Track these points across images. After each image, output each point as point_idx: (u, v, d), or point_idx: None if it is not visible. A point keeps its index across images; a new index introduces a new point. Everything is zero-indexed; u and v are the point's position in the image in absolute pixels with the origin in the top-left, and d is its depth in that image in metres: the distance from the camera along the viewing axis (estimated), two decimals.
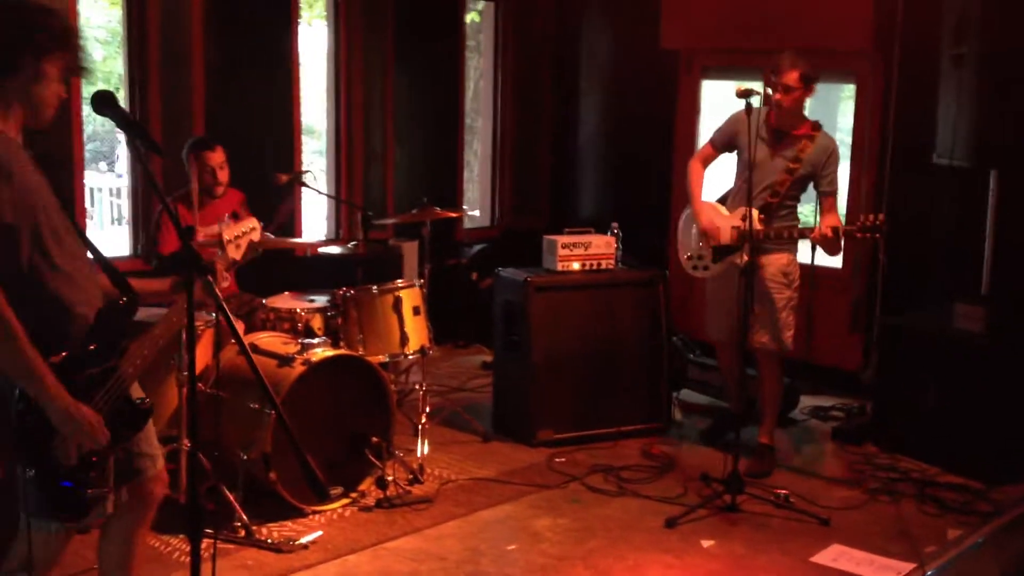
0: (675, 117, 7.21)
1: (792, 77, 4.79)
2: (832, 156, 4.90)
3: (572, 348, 5.39)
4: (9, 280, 2.45)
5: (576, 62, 7.88)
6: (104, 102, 2.60)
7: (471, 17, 8.17)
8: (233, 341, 4.63)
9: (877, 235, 4.69)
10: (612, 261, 5.53)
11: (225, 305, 2.52)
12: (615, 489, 4.79)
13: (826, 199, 4.91)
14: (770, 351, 4.99)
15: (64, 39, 2.60)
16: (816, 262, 5.24)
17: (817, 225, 4.79)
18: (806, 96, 4.88)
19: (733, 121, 5.02)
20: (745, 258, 4.65)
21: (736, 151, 5.05)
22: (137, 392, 2.77)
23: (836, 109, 10.58)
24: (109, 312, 2.66)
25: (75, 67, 2.68)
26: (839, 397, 6.13)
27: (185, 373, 4.22)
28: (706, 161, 5.17)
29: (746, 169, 4.76)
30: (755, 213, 4.74)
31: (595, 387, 5.44)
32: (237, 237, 3.32)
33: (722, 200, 5.14)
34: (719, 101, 9.02)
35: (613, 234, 5.58)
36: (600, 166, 7.88)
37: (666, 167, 7.25)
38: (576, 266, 5.45)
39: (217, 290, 2.56)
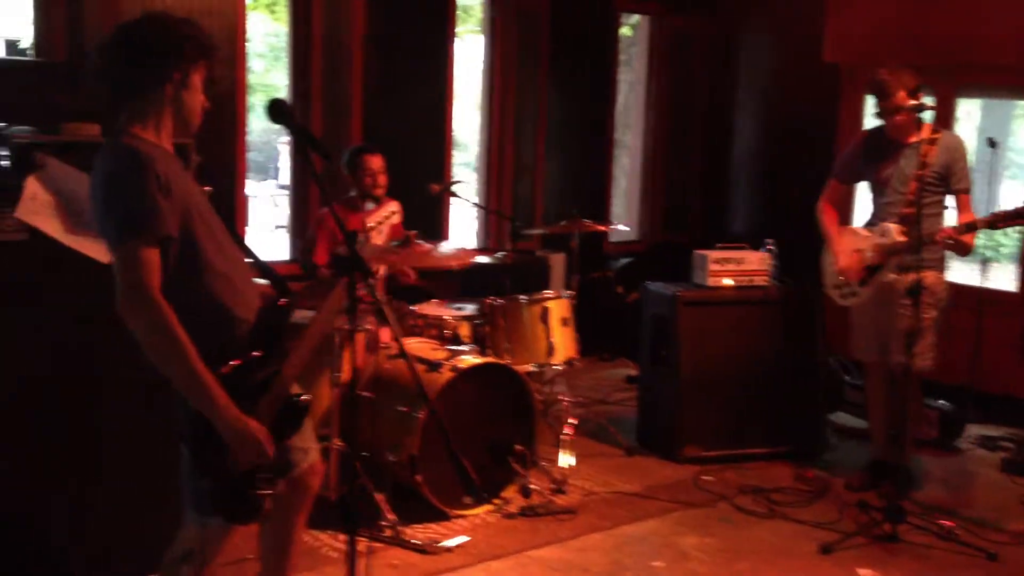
0: (836, 133, 7.01)
1: (901, 97, 4.62)
2: (960, 152, 4.71)
3: (721, 365, 5.29)
4: (175, 290, 2.51)
5: (733, 75, 7.77)
6: (279, 110, 2.69)
7: (624, 31, 8.16)
8: (383, 345, 4.74)
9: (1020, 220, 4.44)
10: (766, 278, 5.42)
11: (385, 308, 2.56)
12: (765, 511, 4.67)
13: (959, 197, 4.70)
14: (913, 371, 4.77)
15: (207, 49, 2.69)
16: (986, 284, 5.00)
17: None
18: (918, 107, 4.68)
19: (850, 148, 4.99)
20: (892, 276, 4.58)
21: (863, 177, 4.94)
22: (295, 388, 2.81)
23: (1008, 126, 10.11)
24: (269, 313, 2.71)
25: (214, 77, 2.76)
26: (1009, 427, 5.82)
27: (338, 374, 4.34)
28: (833, 198, 5.05)
29: (878, 189, 4.72)
30: (893, 226, 4.63)
31: (745, 405, 5.32)
32: (379, 223, 3.35)
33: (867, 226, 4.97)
34: None
35: (768, 250, 5.46)
36: (755, 181, 7.73)
37: (823, 185, 7.03)
38: (728, 282, 5.36)
39: (377, 293, 2.59)
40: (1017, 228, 4.80)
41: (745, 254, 5.41)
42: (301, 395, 2.77)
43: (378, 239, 3.33)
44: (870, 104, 6.98)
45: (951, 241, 4.51)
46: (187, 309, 2.51)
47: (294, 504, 2.95)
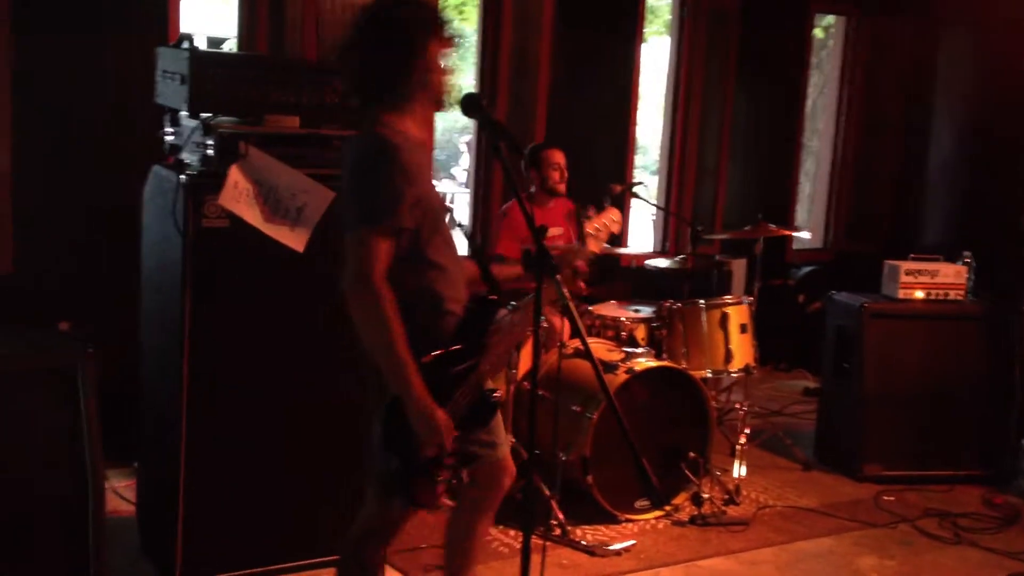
0: None
1: None
2: None
3: (908, 381, 5.08)
4: (399, 276, 2.60)
5: (931, 80, 7.42)
6: (472, 104, 2.73)
7: (814, 33, 7.92)
8: (557, 344, 4.76)
9: None
10: (961, 292, 5.16)
11: (571, 306, 2.55)
12: (951, 536, 4.45)
13: None
14: None
15: (443, 25, 2.74)
16: None
17: None
18: None
19: None
20: None
21: None
22: (488, 383, 2.85)
23: None
24: (477, 307, 2.78)
25: (447, 43, 2.77)
26: None
27: (514, 371, 4.38)
28: None
29: None
30: None
31: (931, 425, 5.09)
32: (598, 229, 3.33)
33: None
34: None
35: (965, 263, 5.19)
36: (952, 190, 7.35)
37: None
38: (919, 295, 5.13)
39: (565, 289, 2.60)
40: None
41: (940, 266, 5.16)
42: (495, 391, 2.82)
43: (596, 246, 3.33)
44: None
45: None
46: (406, 296, 2.61)
47: (483, 500, 2.99)
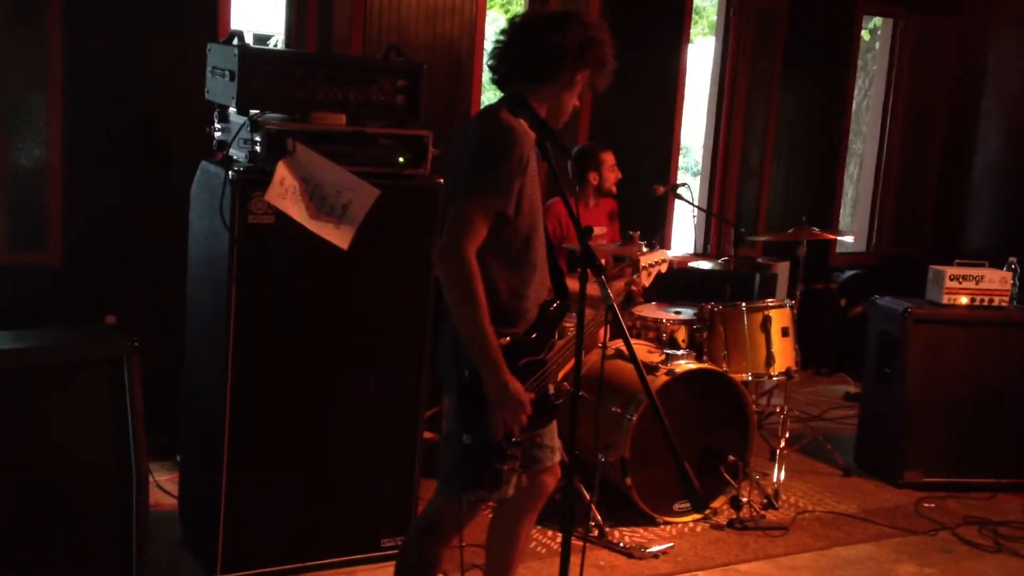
0: None
1: None
2: None
3: (951, 387, 5.03)
4: (492, 261, 2.69)
5: (979, 82, 7.34)
6: (521, 104, 2.75)
7: (861, 35, 7.86)
8: (598, 344, 4.76)
9: None
10: (1007, 298, 5.09)
11: (616, 308, 2.57)
12: (991, 545, 4.41)
13: None
14: None
15: (606, 58, 2.83)
16: None
17: None
18: None
19: None
20: None
21: None
22: (551, 388, 2.91)
23: None
24: (549, 309, 2.86)
25: (596, 84, 2.88)
26: None
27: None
28: None
29: None
30: None
31: (974, 432, 5.04)
32: (650, 266, 3.44)
33: None
34: None
35: (1011, 269, 5.13)
36: (999, 195, 7.27)
37: None
38: (964, 300, 5.07)
39: (611, 291, 2.62)
40: None
41: (985, 272, 5.10)
42: (558, 397, 2.90)
43: (646, 281, 3.42)
44: None
45: None
46: (496, 280, 2.71)
47: (528, 500, 3.02)
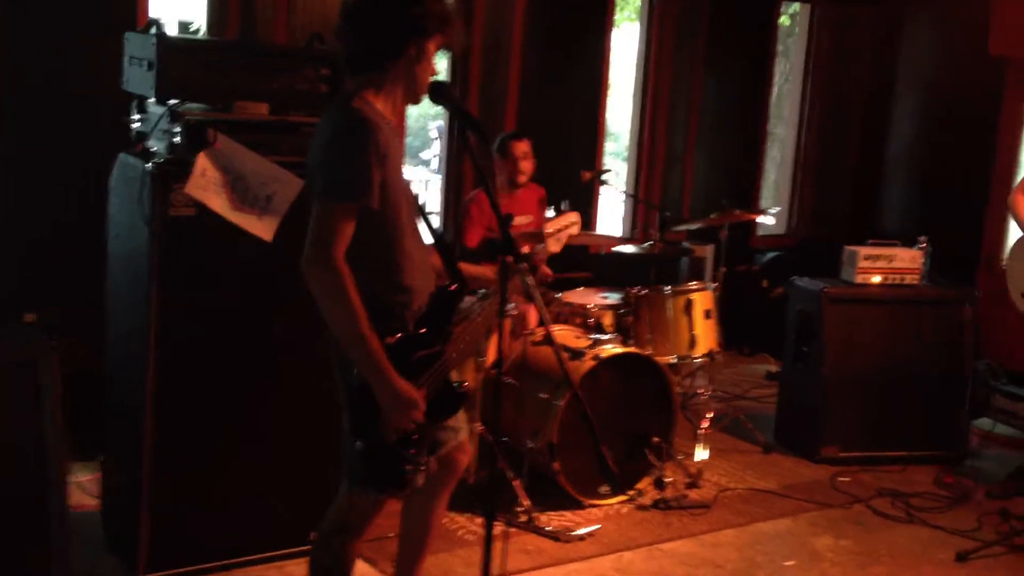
0: (997, 129, 6.74)
1: None
2: None
3: (866, 364, 5.19)
4: (363, 258, 2.60)
5: (893, 68, 7.54)
6: (441, 92, 2.75)
7: (780, 21, 8.01)
8: (527, 331, 4.82)
9: None
10: (917, 277, 5.27)
11: (535, 294, 2.59)
12: (903, 516, 4.58)
13: None
14: None
15: (446, 20, 2.75)
16: None
17: None
18: None
19: None
20: None
21: None
22: (455, 375, 2.87)
23: None
24: (440, 297, 2.79)
25: (448, 43, 2.81)
26: None
27: (482, 358, 4.43)
28: None
29: None
30: None
31: (887, 407, 5.21)
32: (559, 231, 3.42)
33: None
34: None
35: (920, 248, 5.31)
36: (911, 177, 7.50)
37: (983, 182, 6.81)
38: (877, 279, 5.24)
39: (531, 279, 2.64)
40: None
41: (896, 251, 5.27)
42: (463, 383, 2.83)
43: (555, 247, 3.41)
44: None
45: None
46: (370, 278, 2.61)
47: (439, 481, 2.99)
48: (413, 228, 2.78)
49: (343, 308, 2.53)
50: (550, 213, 4.86)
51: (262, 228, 3.47)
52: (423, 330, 2.72)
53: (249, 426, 3.61)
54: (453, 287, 2.79)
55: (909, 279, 5.26)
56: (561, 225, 3.44)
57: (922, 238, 5.36)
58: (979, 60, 6.70)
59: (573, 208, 4.67)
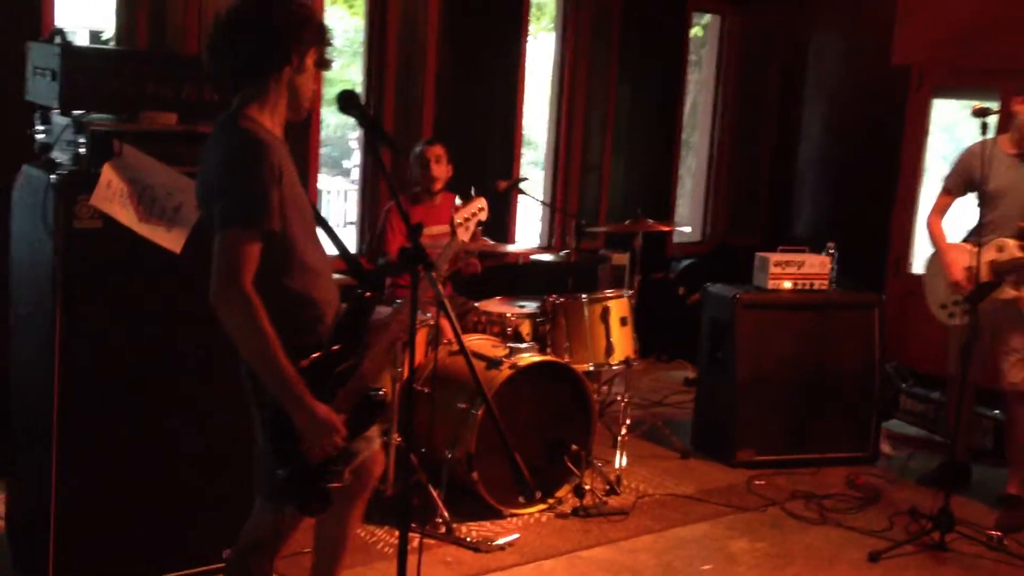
0: (902, 136, 6.94)
1: None
2: None
3: (779, 369, 5.29)
4: (267, 280, 2.54)
5: (802, 77, 7.71)
6: (349, 101, 2.70)
7: (694, 31, 8.14)
8: (445, 341, 4.81)
9: None
10: (826, 282, 5.39)
11: (447, 303, 2.58)
12: (817, 517, 4.67)
13: None
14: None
15: (322, 33, 2.72)
16: None
17: None
18: None
19: (963, 159, 4.87)
20: (1012, 292, 4.59)
21: (974, 188, 4.82)
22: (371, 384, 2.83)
23: None
24: (353, 307, 2.75)
25: (325, 61, 2.76)
26: None
27: (399, 369, 4.41)
28: (943, 212, 4.95)
29: (990, 201, 4.62)
30: (1011, 241, 4.59)
31: (800, 411, 5.32)
32: (467, 219, 3.37)
33: (968, 239, 4.89)
34: (949, 121, 8.62)
35: (829, 254, 5.43)
36: (820, 184, 7.67)
37: (889, 188, 7.00)
38: (788, 285, 5.34)
39: (441, 286, 2.62)
40: None
41: (806, 257, 5.39)
42: (379, 390, 2.79)
43: (465, 235, 3.36)
44: (937, 108, 6.94)
45: None
46: (277, 300, 2.55)
47: (353, 492, 2.95)
48: (315, 241, 2.73)
49: (256, 337, 2.47)
50: (457, 201, 4.83)
51: (170, 240, 3.41)
52: (336, 347, 2.68)
53: (159, 441, 3.53)
54: (367, 295, 2.76)
55: (818, 284, 5.38)
56: (469, 213, 3.40)
57: (830, 244, 5.49)
58: (884, 68, 6.89)
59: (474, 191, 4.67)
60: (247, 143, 2.55)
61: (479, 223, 3.44)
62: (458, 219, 3.35)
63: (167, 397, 3.53)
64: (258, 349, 2.49)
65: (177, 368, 3.53)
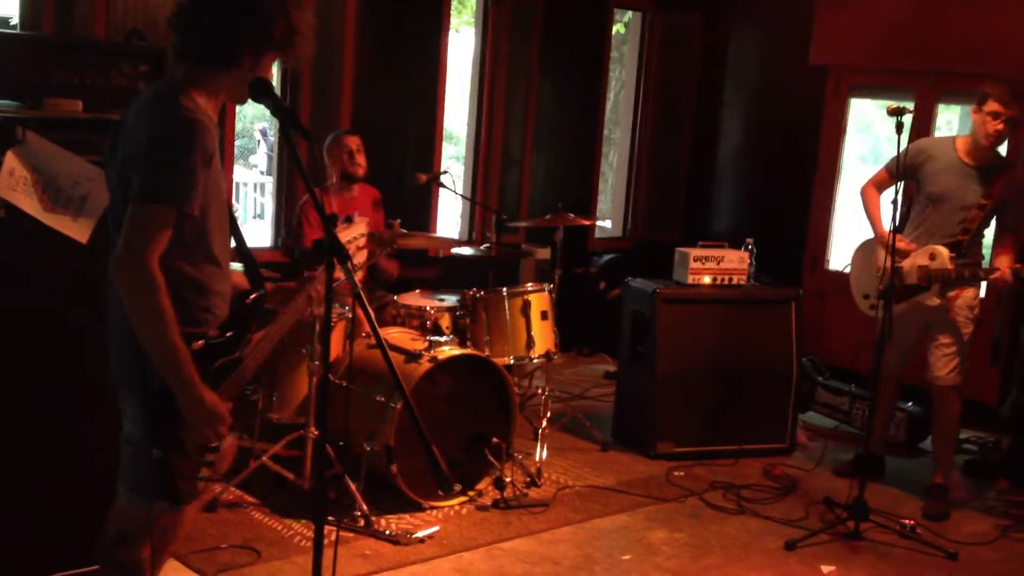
0: (819, 135, 7.06)
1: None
2: (1022, 192, 4.72)
3: (698, 362, 5.33)
4: (172, 261, 2.49)
5: (721, 75, 7.80)
6: (261, 89, 2.63)
7: (616, 28, 8.18)
8: (363, 334, 4.76)
9: None
10: (744, 277, 5.46)
11: (362, 295, 2.55)
12: (734, 507, 4.72)
13: (1007, 236, 4.72)
14: (951, 386, 4.82)
15: (292, 38, 2.61)
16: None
17: (995, 267, 4.58)
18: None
19: (917, 147, 4.87)
20: (935, 301, 4.65)
21: (917, 182, 4.86)
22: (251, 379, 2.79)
23: None
24: (244, 303, 2.71)
25: (289, 58, 2.70)
26: (974, 430, 5.88)
27: (316, 363, 4.35)
28: (880, 187, 4.94)
29: (932, 203, 4.69)
30: (945, 251, 4.64)
31: (719, 403, 5.37)
32: (348, 242, 3.32)
33: (898, 229, 4.94)
34: (866, 120, 8.82)
35: (747, 250, 5.50)
36: (739, 181, 7.77)
37: (806, 185, 7.11)
38: (707, 280, 5.40)
39: (356, 280, 2.58)
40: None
41: (725, 252, 5.44)
42: (254, 392, 2.75)
43: (359, 259, 3.34)
44: (854, 108, 7.08)
45: (1004, 281, 4.52)
46: (178, 282, 2.50)
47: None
48: (224, 232, 2.67)
49: (153, 314, 2.41)
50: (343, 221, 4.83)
51: (77, 230, 3.31)
52: (227, 334, 2.63)
53: (28, 440, 3.37)
54: (254, 295, 2.74)
55: (737, 279, 5.44)
56: (351, 235, 3.37)
57: (749, 240, 5.56)
58: (801, 68, 7.00)
59: (394, 216, 4.71)
60: (184, 121, 2.47)
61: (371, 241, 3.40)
62: (344, 239, 3.27)
63: (72, 389, 3.41)
64: (155, 328, 2.42)
65: (83, 358, 3.39)
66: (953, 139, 4.79)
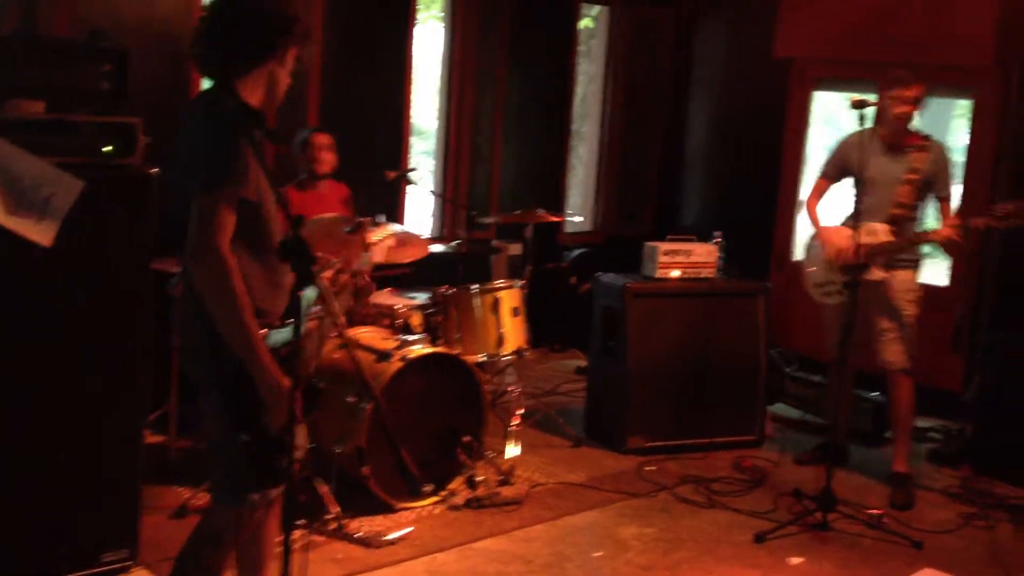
0: (784, 127, 7.10)
1: (920, 90, 4.80)
2: (946, 161, 4.90)
3: (668, 356, 5.36)
4: (240, 250, 2.60)
5: (688, 69, 7.83)
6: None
7: (585, 23, 8.19)
8: (334, 334, 4.73)
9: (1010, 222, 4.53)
10: (713, 270, 5.48)
11: (328, 296, 2.59)
12: (705, 501, 4.75)
13: (944, 203, 4.87)
14: (902, 369, 4.91)
15: (308, 33, 2.86)
16: (920, 280, 5.08)
17: (936, 229, 4.77)
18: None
19: (840, 147, 5.05)
20: (880, 274, 4.76)
21: (851, 175, 4.97)
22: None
23: (947, 126, 10.31)
24: (298, 294, 2.75)
25: (303, 58, 2.88)
26: (937, 418, 5.95)
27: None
28: (820, 195, 5.13)
29: (865, 188, 4.76)
30: (883, 226, 4.76)
31: (689, 397, 5.40)
32: (380, 241, 3.41)
33: (845, 223, 5.03)
34: (830, 112, 8.88)
35: (716, 243, 5.52)
36: (706, 174, 7.81)
37: (773, 177, 7.16)
38: (676, 274, 5.42)
39: (323, 281, 2.63)
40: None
41: (693, 246, 5.46)
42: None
43: (379, 257, 3.40)
44: (818, 100, 7.13)
45: (953, 240, 4.63)
46: (250, 274, 2.64)
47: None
48: (279, 227, 2.78)
49: (230, 298, 2.54)
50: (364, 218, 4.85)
51: (40, 233, 3.26)
52: (289, 323, 2.72)
53: (34, 440, 3.37)
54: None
55: (706, 273, 5.47)
56: (382, 237, 3.45)
57: (717, 233, 5.58)
58: (766, 62, 7.04)
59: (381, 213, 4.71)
60: (233, 115, 2.64)
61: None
62: (372, 239, 3.35)
63: (42, 394, 3.38)
64: (230, 311, 2.55)
65: (53, 362, 3.38)
66: (873, 128, 4.90)
